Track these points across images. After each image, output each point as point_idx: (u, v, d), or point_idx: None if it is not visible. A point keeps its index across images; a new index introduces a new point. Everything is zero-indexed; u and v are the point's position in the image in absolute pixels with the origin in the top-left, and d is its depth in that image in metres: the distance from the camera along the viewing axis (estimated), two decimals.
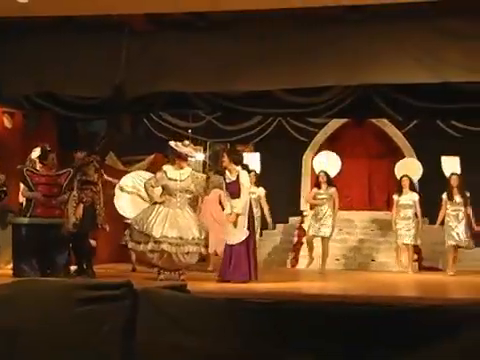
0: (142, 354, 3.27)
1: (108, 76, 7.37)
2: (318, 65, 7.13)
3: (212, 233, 7.39)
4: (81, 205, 7.38)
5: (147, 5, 6.75)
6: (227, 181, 7.24)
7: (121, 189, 8.43)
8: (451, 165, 9.35)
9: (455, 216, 9.04)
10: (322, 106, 7.72)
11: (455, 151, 9.75)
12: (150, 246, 6.93)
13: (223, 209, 7.73)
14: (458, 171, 9.28)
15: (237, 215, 7.01)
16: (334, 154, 10.31)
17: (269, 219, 9.71)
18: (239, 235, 6.96)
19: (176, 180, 7.16)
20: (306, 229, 9.66)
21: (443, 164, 9.39)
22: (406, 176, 9.67)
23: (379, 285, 7.69)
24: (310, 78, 7.17)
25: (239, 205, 7.02)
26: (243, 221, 7.00)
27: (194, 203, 8.20)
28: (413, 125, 10.76)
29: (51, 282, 3.97)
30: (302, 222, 11.37)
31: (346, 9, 6.87)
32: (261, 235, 10.11)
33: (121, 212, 8.47)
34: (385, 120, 11.06)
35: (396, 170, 10.17)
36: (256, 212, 9.35)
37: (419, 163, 10.41)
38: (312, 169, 10.89)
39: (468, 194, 9.08)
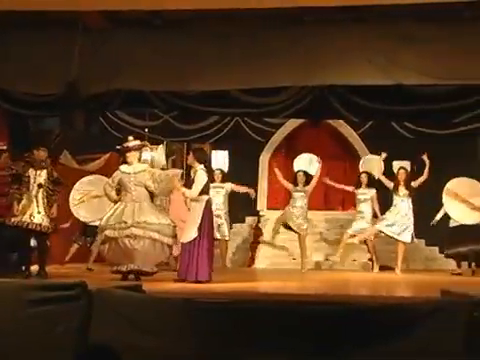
0: (97, 354, 3.22)
1: (61, 73, 7.24)
2: (274, 65, 7.16)
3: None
4: (55, 205, 7.26)
5: (102, 2, 6.66)
6: (191, 177, 7.34)
7: (74, 205, 8.48)
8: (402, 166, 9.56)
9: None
10: (279, 106, 7.74)
11: (409, 152, 9.91)
12: (100, 239, 7.03)
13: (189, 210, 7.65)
14: (408, 168, 9.48)
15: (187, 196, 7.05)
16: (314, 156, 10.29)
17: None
18: (188, 233, 6.91)
19: (129, 173, 7.14)
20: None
21: (394, 167, 9.59)
22: (365, 173, 9.84)
23: (334, 284, 7.76)
24: (267, 78, 7.19)
25: (188, 191, 7.05)
26: (196, 219, 6.94)
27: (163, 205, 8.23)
28: (368, 126, 10.90)
29: (3, 283, 3.88)
30: (259, 222, 11.41)
31: (303, 10, 6.91)
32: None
33: (87, 220, 8.61)
34: (341, 121, 11.17)
35: (360, 164, 10.30)
36: (223, 208, 9.43)
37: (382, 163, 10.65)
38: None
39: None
